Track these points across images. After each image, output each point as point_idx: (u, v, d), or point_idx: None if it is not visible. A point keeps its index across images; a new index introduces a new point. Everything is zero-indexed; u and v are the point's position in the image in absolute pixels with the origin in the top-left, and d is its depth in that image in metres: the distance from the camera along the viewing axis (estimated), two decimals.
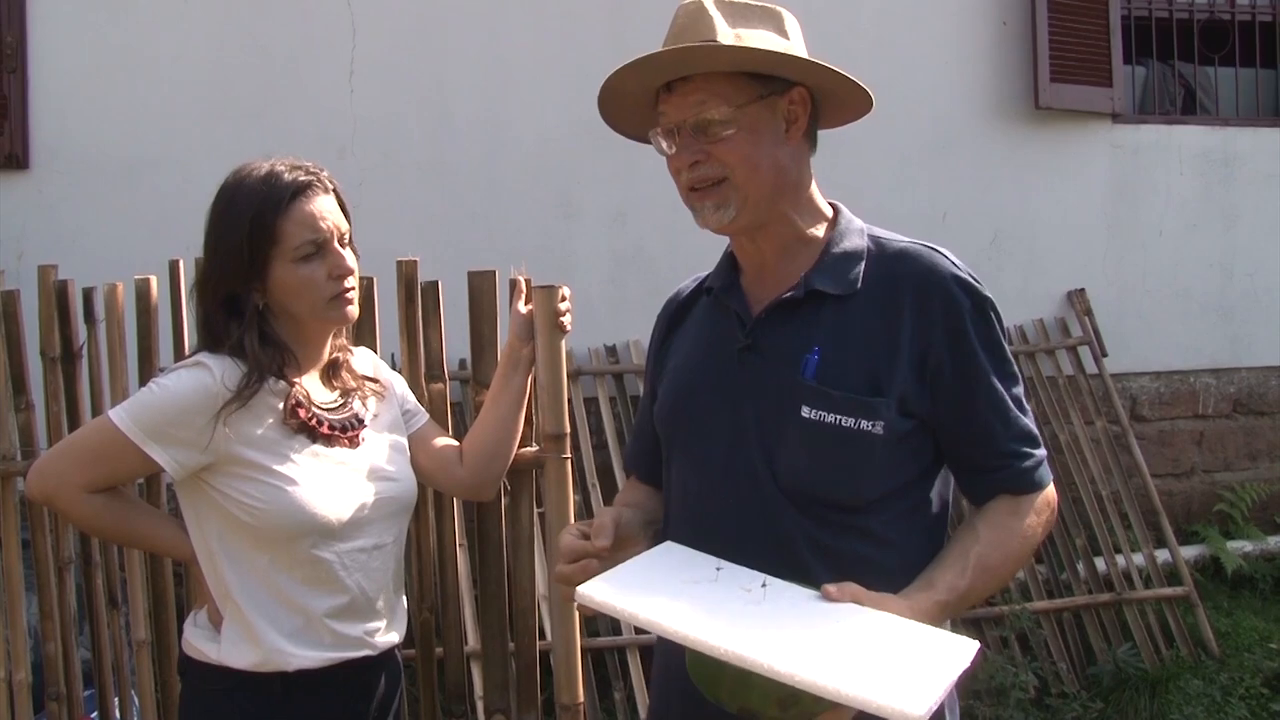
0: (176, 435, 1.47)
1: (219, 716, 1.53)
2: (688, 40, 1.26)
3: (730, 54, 1.25)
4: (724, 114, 1.26)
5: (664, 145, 1.31)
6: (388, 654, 1.64)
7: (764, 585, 1.16)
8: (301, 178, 1.52)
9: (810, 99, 1.32)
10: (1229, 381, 4.79)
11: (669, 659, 1.39)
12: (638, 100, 1.34)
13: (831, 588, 1.15)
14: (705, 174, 1.28)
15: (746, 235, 1.35)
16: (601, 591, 1.13)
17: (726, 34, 1.26)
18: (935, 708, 0.98)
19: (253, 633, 1.50)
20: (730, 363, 1.34)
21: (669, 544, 1.29)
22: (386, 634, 1.62)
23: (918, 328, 1.27)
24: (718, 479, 1.32)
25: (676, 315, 1.50)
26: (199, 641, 1.55)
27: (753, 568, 1.21)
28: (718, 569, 1.20)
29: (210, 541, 1.52)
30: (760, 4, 1.32)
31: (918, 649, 1.08)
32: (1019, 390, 1.32)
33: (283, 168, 1.52)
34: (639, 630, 2.77)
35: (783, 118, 1.30)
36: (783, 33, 1.31)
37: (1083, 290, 4.49)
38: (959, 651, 1.08)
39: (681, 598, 1.13)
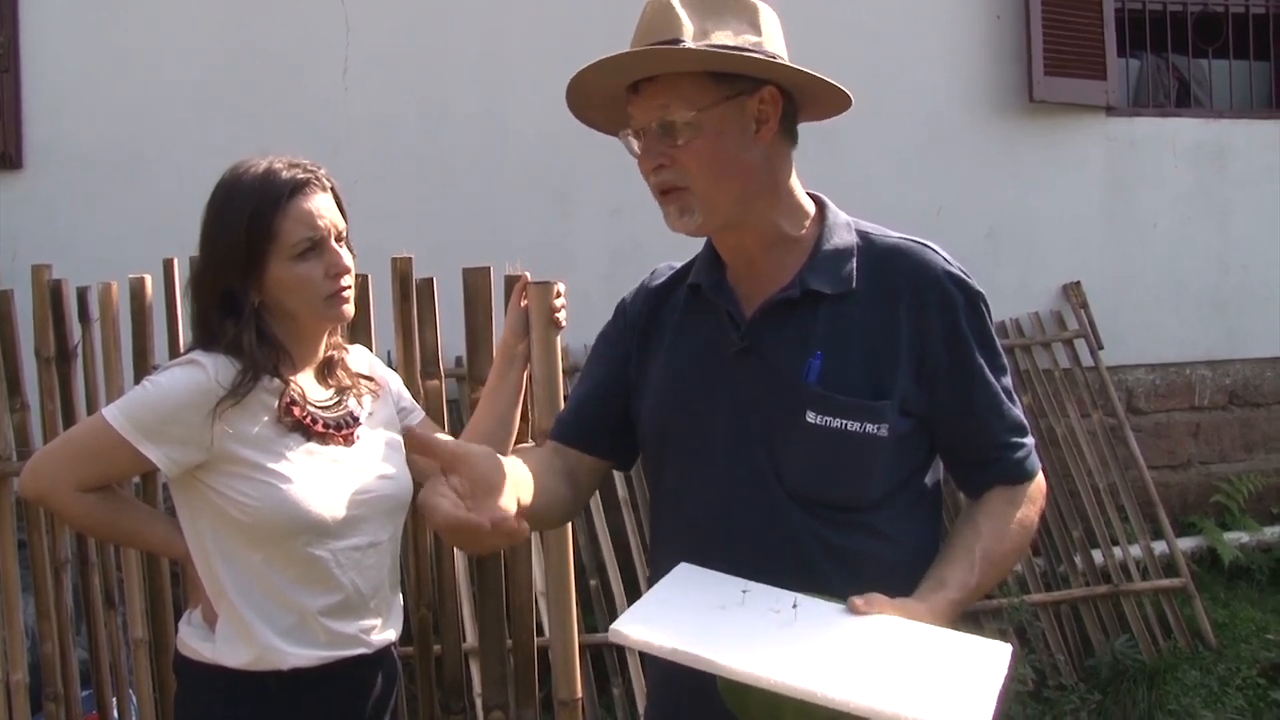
0: (171, 433, 1.46)
1: (214, 716, 1.53)
2: (654, 37, 1.23)
3: (687, 56, 1.21)
4: (687, 116, 1.22)
5: (633, 146, 1.28)
6: (384, 652, 1.64)
7: (795, 606, 1.15)
8: (299, 175, 1.52)
9: (783, 96, 1.27)
10: (1224, 373, 4.79)
11: (673, 664, 1.38)
12: (610, 98, 1.30)
13: (858, 600, 1.14)
14: (668, 179, 1.25)
15: (724, 234, 1.33)
16: (637, 630, 1.11)
17: (692, 31, 1.22)
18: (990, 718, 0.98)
19: (247, 631, 1.49)
20: (726, 365, 1.32)
21: (685, 566, 1.26)
22: (382, 632, 1.61)
23: (914, 327, 1.27)
24: (720, 482, 1.31)
25: (655, 299, 1.45)
26: (194, 640, 1.55)
27: (760, 566, 1.21)
28: (743, 591, 1.19)
29: (205, 540, 1.52)
30: None
31: (957, 658, 1.08)
32: (1008, 381, 1.32)
33: (280, 165, 1.52)
34: None
35: (752, 118, 1.25)
36: (755, 28, 1.26)
37: (1078, 283, 4.49)
38: (996, 657, 1.08)
39: (715, 627, 1.12)
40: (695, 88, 1.22)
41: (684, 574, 1.25)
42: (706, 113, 1.22)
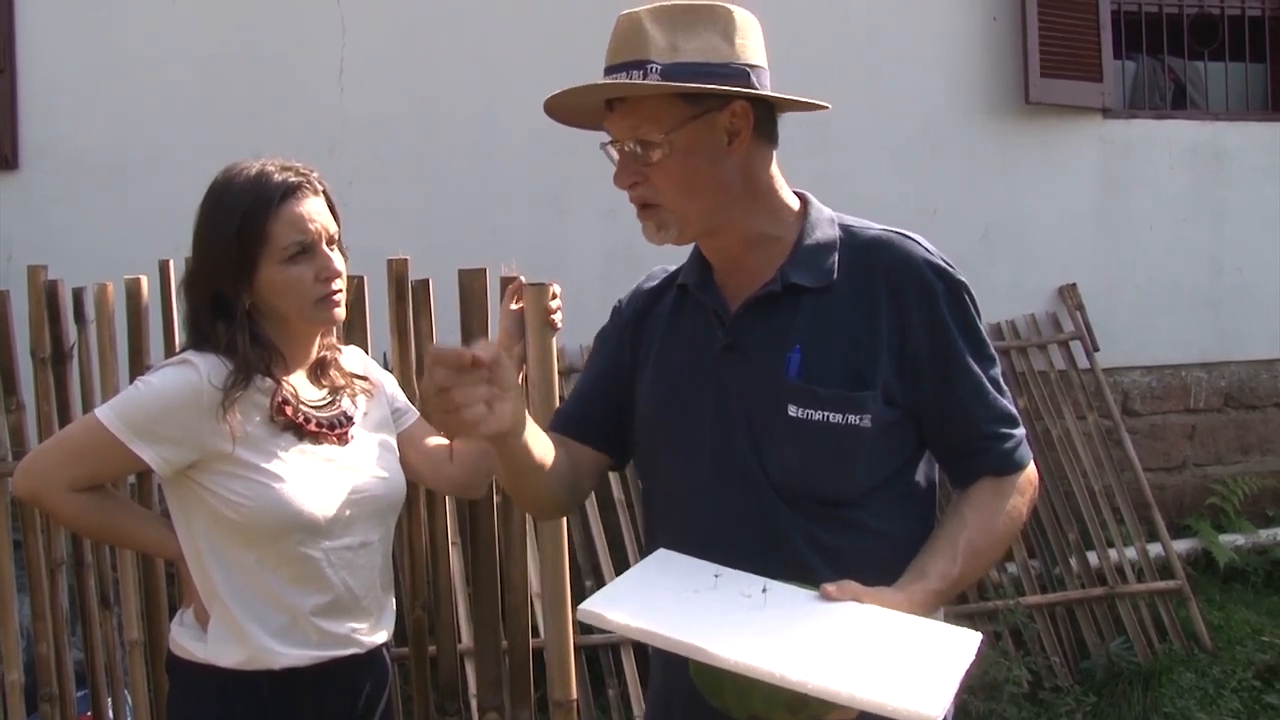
0: (163, 433, 1.47)
1: (206, 716, 1.53)
2: (623, 56, 1.24)
3: (643, 88, 1.22)
4: (656, 138, 1.24)
5: (614, 156, 1.31)
6: (375, 652, 1.64)
7: (764, 590, 1.16)
8: (292, 179, 1.52)
9: (755, 104, 1.27)
10: (1219, 375, 4.80)
11: (669, 658, 1.38)
12: (590, 110, 1.32)
13: (830, 587, 1.15)
14: (642, 195, 1.28)
15: (705, 239, 1.34)
16: (606, 608, 1.12)
17: (662, 47, 1.22)
18: (949, 706, 0.98)
19: (239, 631, 1.50)
20: (712, 361, 1.33)
21: (662, 551, 1.28)
22: (374, 632, 1.62)
23: (894, 317, 1.27)
24: (708, 479, 1.31)
25: (648, 301, 1.47)
26: (186, 640, 1.55)
27: (750, 565, 1.21)
28: (716, 575, 1.20)
29: (197, 539, 1.52)
30: (707, 3, 1.26)
31: (923, 646, 1.08)
32: (996, 371, 1.32)
33: (273, 168, 1.53)
34: None
35: (724, 131, 1.26)
36: (728, 39, 1.25)
37: (1074, 285, 4.50)
38: (963, 645, 1.09)
39: (684, 609, 1.13)
40: (664, 108, 1.24)
41: (660, 558, 1.27)
42: (675, 134, 1.24)
